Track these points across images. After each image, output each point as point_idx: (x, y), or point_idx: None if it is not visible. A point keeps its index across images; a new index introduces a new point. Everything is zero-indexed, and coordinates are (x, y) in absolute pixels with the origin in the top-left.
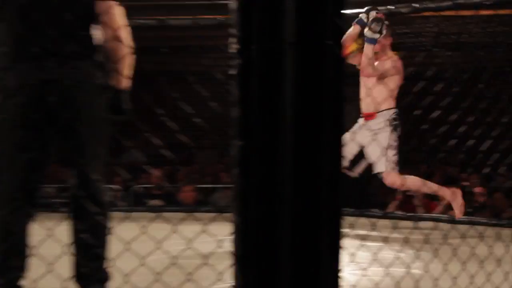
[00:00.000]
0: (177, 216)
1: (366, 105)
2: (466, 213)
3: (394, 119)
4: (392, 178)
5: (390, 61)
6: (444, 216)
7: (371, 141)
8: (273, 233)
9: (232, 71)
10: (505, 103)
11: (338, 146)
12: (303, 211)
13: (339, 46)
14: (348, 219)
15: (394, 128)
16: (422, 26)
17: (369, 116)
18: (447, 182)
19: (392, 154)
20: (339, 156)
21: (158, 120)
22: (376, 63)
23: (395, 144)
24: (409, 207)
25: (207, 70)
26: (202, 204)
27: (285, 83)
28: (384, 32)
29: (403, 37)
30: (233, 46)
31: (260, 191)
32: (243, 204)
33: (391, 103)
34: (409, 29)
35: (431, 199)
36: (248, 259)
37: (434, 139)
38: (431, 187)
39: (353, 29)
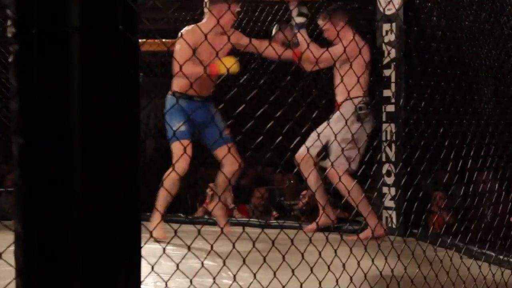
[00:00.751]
0: None
1: (336, 96)
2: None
3: (360, 108)
4: (343, 179)
5: (341, 45)
6: (254, 221)
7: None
8: (61, 243)
9: (11, 58)
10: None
11: (134, 142)
12: (96, 217)
13: (134, 30)
14: (149, 225)
15: (357, 118)
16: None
17: (337, 107)
18: (258, 183)
19: (346, 147)
20: (136, 155)
21: None
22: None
23: (350, 136)
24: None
25: None
26: None
27: (72, 72)
28: (328, 16)
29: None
30: (11, 30)
31: (45, 195)
32: (25, 210)
33: (358, 91)
34: None
35: (244, 202)
36: (32, 273)
37: (241, 136)
38: (365, 207)
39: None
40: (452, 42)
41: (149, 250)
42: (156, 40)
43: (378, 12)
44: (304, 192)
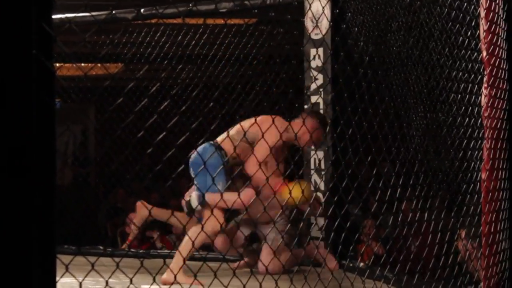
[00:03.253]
0: None
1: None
2: None
3: None
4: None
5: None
6: (174, 252)
7: None
8: None
9: None
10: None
11: (50, 172)
12: (7, 251)
13: (49, 55)
14: (65, 258)
15: None
16: (146, 34)
17: None
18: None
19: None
20: (51, 186)
21: None
22: None
23: None
24: (143, 243)
25: None
26: None
27: None
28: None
29: (123, 48)
30: None
31: None
32: None
33: None
34: (130, 38)
35: (166, 233)
36: None
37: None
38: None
39: None
40: (380, 67)
41: (65, 285)
42: (73, 65)
43: (305, 37)
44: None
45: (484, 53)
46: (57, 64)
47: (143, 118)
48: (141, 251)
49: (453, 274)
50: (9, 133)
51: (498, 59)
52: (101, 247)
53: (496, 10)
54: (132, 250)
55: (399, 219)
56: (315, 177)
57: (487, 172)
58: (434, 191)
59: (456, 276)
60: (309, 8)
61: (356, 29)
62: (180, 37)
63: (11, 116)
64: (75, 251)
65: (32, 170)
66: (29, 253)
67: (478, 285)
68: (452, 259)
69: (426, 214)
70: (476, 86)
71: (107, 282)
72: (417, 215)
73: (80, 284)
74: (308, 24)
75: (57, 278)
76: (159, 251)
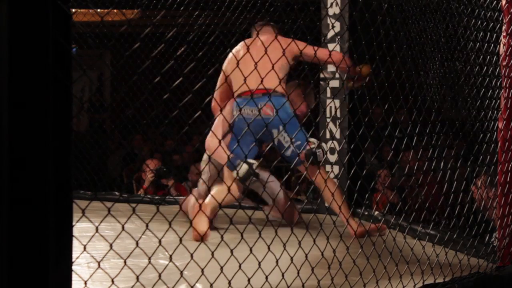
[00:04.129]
0: None
1: None
2: None
3: None
4: None
5: None
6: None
7: None
8: None
9: None
10: None
11: (66, 116)
12: (23, 195)
13: None
14: (81, 204)
15: None
16: None
17: None
18: (195, 159)
19: None
20: (68, 130)
21: None
22: None
23: None
24: (158, 190)
25: None
26: None
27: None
28: None
29: None
30: None
31: None
32: None
33: None
34: None
35: (182, 181)
36: None
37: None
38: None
39: None
40: (398, 15)
41: (81, 229)
42: (90, 10)
43: None
44: None
45: (504, 1)
46: (73, 10)
47: (159, 64)
48: (156, 197)
49: (468, 223)
50: (25, 75)
51: None
52: (116, 193)
53: None
54: (148, 196)
55: (414, 168)
56: (331, 125)
57: (504, 122)
58: (450, 140)
59: (471, 225)
60: None
61: None
62: None
63: (27, 60)
64: (91, 196)
65: (48, 113)
66: (44, 197)
67: (494, 234)
68: (467, 208)
69: (441, 163)
70: (495, 35)
71: (123, 227)
72: (433, 164)
73: (97, 228)
74: None
75: (74, 223)
76: (175, 197)
